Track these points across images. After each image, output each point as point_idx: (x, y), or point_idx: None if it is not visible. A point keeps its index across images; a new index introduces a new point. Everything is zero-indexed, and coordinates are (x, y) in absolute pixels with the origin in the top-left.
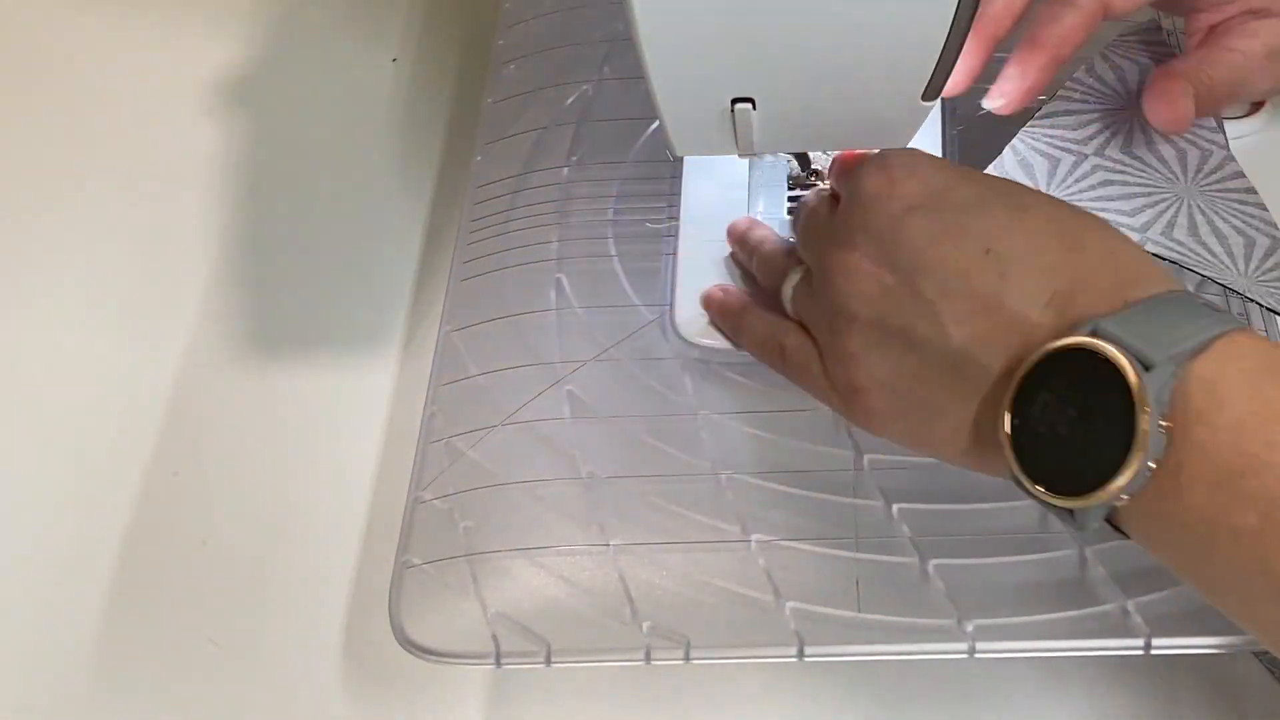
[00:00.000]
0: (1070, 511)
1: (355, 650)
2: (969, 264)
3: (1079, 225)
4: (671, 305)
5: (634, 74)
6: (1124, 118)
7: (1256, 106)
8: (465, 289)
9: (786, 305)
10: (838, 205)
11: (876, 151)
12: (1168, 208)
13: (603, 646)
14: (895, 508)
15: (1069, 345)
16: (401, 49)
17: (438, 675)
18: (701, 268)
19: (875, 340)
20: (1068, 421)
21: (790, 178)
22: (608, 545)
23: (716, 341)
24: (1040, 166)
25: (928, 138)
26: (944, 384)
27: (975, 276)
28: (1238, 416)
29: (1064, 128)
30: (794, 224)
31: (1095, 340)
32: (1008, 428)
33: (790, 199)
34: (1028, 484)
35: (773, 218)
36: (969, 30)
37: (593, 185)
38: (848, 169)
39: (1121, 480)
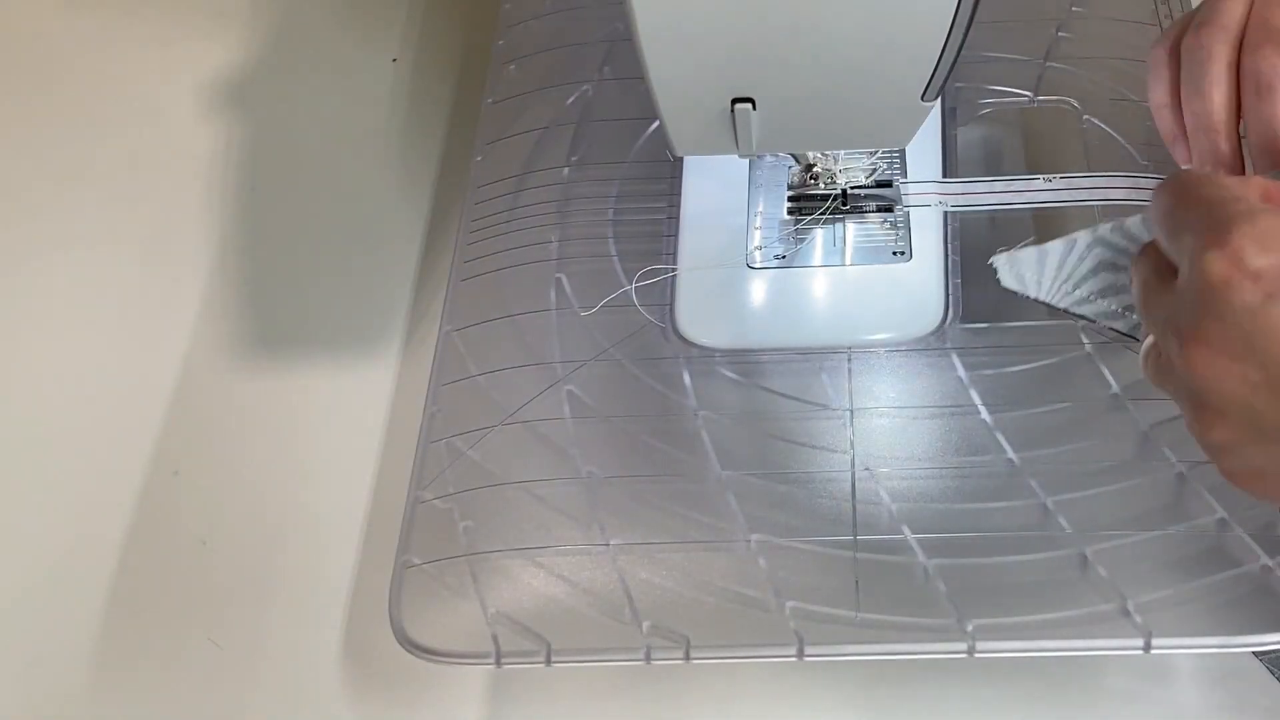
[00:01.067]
0: None
1: (355, 650)
2: None
3: None
4: (672, 305)
5: (634, 74)
6: None
7: None
8: (465, 289)
9: (1142, 370)
10: (1172, 272)
11: (1207, 209)
12: None
13: (603, 646)
14: (895, 507)
15: None
16: (401, 49)
17: (438, 675)
18: (701, 268)
19: (1246, 437)
20: None
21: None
22: (607, 545)
23: (716, 341)
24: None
25: (928, 138)
26: None
27: None
28: None
29: None
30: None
31: None
32: None
33: (790, 199)
34: None
35: (772, 218)
36: (969, 30)
37: (593, 185)
38: (1172, 225)
39: None
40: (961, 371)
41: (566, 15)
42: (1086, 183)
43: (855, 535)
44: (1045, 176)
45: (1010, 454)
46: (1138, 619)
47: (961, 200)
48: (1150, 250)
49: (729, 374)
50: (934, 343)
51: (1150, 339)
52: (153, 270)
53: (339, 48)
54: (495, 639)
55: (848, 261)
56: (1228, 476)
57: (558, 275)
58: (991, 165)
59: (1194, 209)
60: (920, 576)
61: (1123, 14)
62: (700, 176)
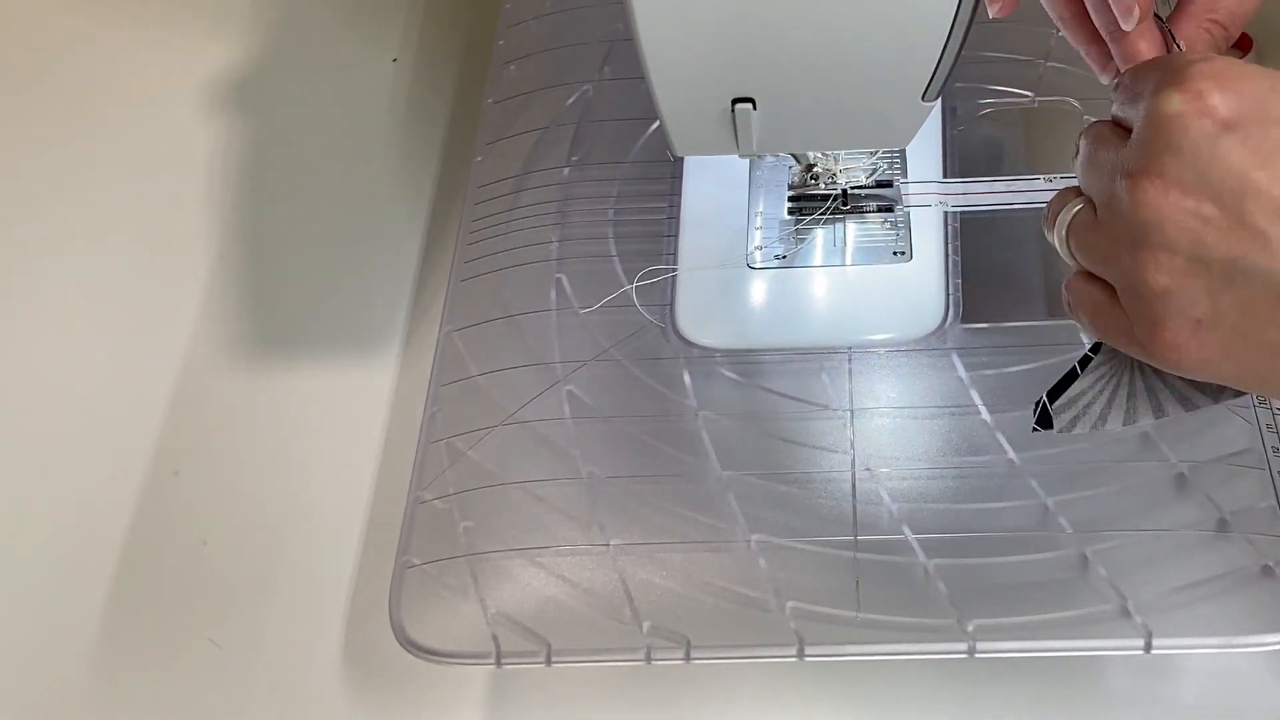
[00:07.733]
0: None
1: (355, 650)
2: None
3: None
4: (672, 305)
5: (634, 74)
6: None
7: (1244, 50)
8: (465, 289)
9: (1059, 243)
10: (1125, 132)
11: (1163, 63)
12: None
13: (603, 646)
14: (895, 508)
15: None
16: (401, 49)
17: (438, 675)
18: (701, 268)
19: (1190, 273)
20: None
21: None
22: (608, 545)
23: (716, 341)
24: None
25: (928, 138)
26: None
27: None
28: None
29: None
30: (1077, 158)
31: None
32: None
33: (790, 199)
34: None
35: (772, 218)
36: (969, 30)
37: (593, 185)
38: (1130, 91)
39: None
40: (962, 372)
41: (566, 15)
42: None
43: (856, 535)
44: (1045, 176)
45: (1010, 454)
46: (1138, 619)
47: (961, 200)
48: (1096, 123)
49: (729, 374)
50: (934, 343)
51: (1074, 208)
52: (153, 270)
53: (339, 48)
54: (495, 639)
55: (848, 261)
56: (1163, 341)
57: (558, 275)
58: (991, 165)
59: (1151, 69)
60: (921, 577)
61: None
62: (700, 176)
